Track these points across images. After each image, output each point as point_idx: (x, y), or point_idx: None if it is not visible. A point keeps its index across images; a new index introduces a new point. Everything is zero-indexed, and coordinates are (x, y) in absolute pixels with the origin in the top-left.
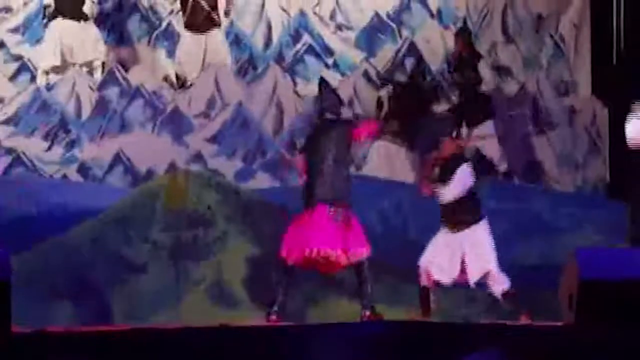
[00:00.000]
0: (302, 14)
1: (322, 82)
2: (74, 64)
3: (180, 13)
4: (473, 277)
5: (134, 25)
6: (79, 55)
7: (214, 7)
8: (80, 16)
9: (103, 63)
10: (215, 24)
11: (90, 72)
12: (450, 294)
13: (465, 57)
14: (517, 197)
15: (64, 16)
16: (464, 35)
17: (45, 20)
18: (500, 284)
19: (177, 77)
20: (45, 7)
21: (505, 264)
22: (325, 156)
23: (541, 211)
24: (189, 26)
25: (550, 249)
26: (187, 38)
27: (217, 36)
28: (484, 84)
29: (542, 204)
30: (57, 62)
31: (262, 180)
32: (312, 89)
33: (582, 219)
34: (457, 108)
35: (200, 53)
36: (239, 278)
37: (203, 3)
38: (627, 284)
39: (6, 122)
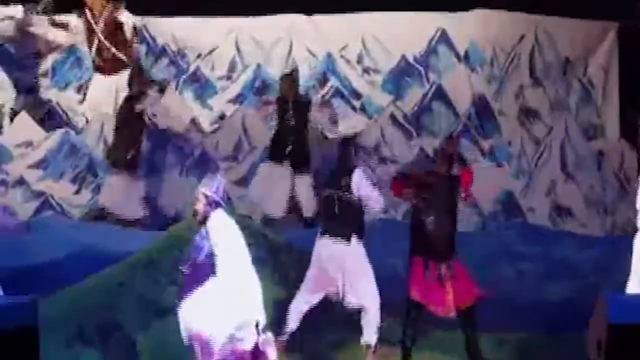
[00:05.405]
0: (329, 57)
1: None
2: None
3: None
4: None
5: (162, 69)
6: None
7: (120, 48)
8: None
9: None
10: (123, 65)
11: None
12: None
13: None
14: (545, 240)
15: None
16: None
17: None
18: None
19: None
20: None
21: (532, 306)
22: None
23: (569, 255)
24: (97, 67)
25: (578, 292)
26: (98, 79)
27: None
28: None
29: (569, 247)
30: None
31: (290, 224)
32: (340, 131)
33: (610, 263)
34: None
35: (112, 94)
36: (267, 321)
37: (108, 45)
38: None
39: (35, 165)
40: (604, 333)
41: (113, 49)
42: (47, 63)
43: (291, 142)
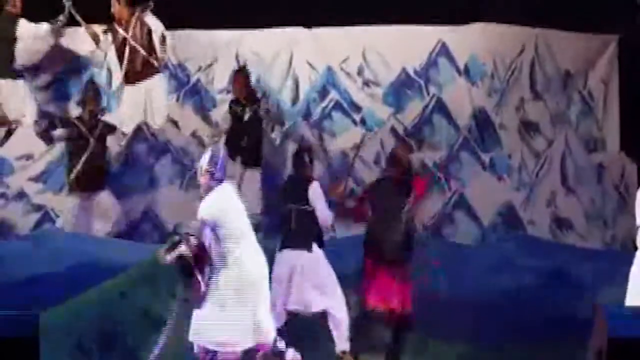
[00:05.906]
0: (330, 70)
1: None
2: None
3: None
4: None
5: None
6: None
7: (151, 53)
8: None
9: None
10: (155, 70)
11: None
12: None
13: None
14: (545, 253)
15: None
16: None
17: None
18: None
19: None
20: None
21: (532, 319)
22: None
23: (569, 267)
24: (128, 76)
25: (577, 304)
26: (128, 88)
27: (157, 82)
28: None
29: (569, 260)
30: None
31: None
32: (340, 144)
33: (610, 276)
34: None
35: (142, 101)
36: None
37: (140, 49)
38: None
39: (35, 178)
40: (605, 343)
41: (144, 52)
42: (47, 76)
43: (245, 142)
